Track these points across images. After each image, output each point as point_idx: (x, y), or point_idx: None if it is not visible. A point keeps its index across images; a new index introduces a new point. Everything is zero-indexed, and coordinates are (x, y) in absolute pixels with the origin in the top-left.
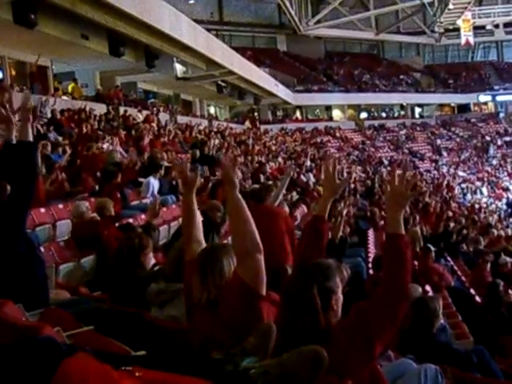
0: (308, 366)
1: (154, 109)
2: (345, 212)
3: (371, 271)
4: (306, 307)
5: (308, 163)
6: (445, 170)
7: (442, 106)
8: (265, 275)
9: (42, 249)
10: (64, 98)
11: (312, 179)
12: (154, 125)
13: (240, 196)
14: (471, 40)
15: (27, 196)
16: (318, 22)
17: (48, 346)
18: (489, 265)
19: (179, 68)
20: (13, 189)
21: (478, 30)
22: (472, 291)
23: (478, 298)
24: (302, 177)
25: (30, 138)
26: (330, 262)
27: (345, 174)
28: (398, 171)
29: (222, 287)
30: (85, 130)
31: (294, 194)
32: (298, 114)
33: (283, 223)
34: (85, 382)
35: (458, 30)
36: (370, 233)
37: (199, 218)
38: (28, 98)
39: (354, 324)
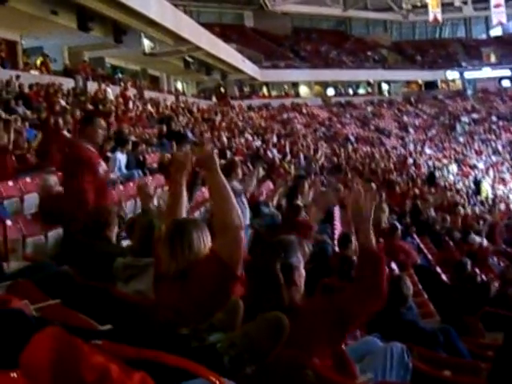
0: (270, 331)
1: (122, 83)
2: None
3: (337, 248)
4: (269, 283)
5: (274, 139)
6: (411, 147)
7: (409, 82)
8: (242, 254)
9: (10, 222)
10: (32, 72)
11: (278, 155)
12: (121, 100)
13: (222, 175)
14: (439, 17)
15: None
16: None
17: (18, 319)
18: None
19: (147, 43)
20: None
21: (446, 6)
22: (438, 269)
23: (444, 277)
24: (268, 153)
25: None
26: (292, 238)
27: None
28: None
29: (191, 260)
30: (57, 108)
31: (261, 170)
32: (264, 90)
33: None
34: (56, 356)
35: (425, 6)
36: (336, 210)
37: (185, 198)
38: None
39: (326, 309)
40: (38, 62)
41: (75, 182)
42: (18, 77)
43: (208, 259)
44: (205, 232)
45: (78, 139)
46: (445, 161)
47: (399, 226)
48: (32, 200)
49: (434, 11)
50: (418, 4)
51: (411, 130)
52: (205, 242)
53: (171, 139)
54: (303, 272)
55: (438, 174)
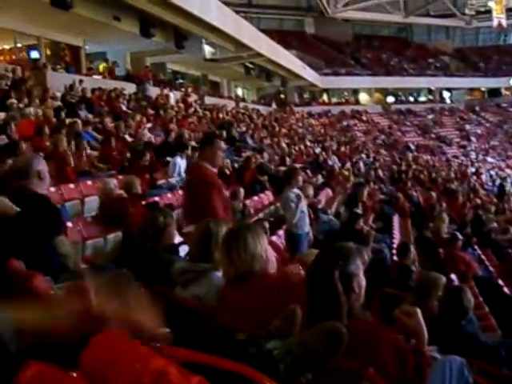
0: (328, 340)
1: (182, 89)
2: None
3: (395, 257)
4: (328, 291)
5: (334, 147)
6: (473, 155)
7: (471, 90)
8: None
9: (71, 224)
10: (95, 77)
11: (337, 163)
12: (181, 105)
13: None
14: (504, 22)
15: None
16: (346, 4)
17: None
18: None
19: (208, 49)
20: None
21: (511, 11)
22: (500, 282)
23: (506, 290)
24: (328, 160)
25: None
26: (350, 245)
27: None
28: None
29: (250, 263)
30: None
31: (320, 177)
32: (324, 96)
33: None
34: (115, 357)
35: (489, 12)
36: (395, 218)
37: None
38: None
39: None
40: (101, 68)
41: (207, 203)
42: (81, 81)
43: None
44: (260, 235)
45: (200, 160)
46: (508, 170)
47: (460, 237)
48: (92, 203)
49: (499, 17)
50: (482, 9)
51: (473, 139)
52: (261, 243)
53: (231, 145)
54: (363, 279)
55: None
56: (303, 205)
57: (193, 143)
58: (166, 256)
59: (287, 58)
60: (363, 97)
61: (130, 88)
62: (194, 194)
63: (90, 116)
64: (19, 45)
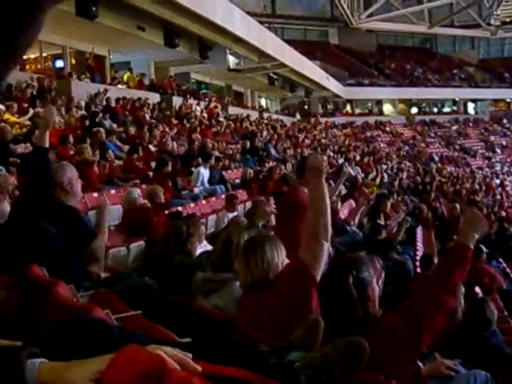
0: (349, 357)
1: (206, 99)
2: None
3: (419, 269)
4: (342, 299)
5: (357, 157)
6: (498, 167)
7: (496, 101)
8: (323, 264)
9: None
10: (119, 86)
11: (361, 173)
12: (205, 115)
13: (325, 185)
14: None
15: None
16: (370, 15)
17: (101, 328)
18: None
19: (232, 59)
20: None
21: None
22: None
23: None
24: (350, 171)
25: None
26: (361, 254)
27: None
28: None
29: (266, 271)
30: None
31: (343, 188)
32: (348, 107)
33: None
34: (139, 371)
35: None
36: (419, 230)
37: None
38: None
39: (402, 321)
40: (126, 77)
41: (293, 228)
42: (105, 91)
43: (292, 266)
44: (279, 246)
45: (297, 183)
46: None
47: (484, 249)
48: (116, 211)
49: None
50: (508, 20)
51: (498, 150)
52: (278, 253)
53: (254, 155)
54: (376, 287)
55: None
56: None
57: (216, 153)
58: (188, 265)
59: (311, 69)
60: (387, 107)
61: (153, 98)
62: (282, 219)
63: (115, 125)
64: (44, 54)
